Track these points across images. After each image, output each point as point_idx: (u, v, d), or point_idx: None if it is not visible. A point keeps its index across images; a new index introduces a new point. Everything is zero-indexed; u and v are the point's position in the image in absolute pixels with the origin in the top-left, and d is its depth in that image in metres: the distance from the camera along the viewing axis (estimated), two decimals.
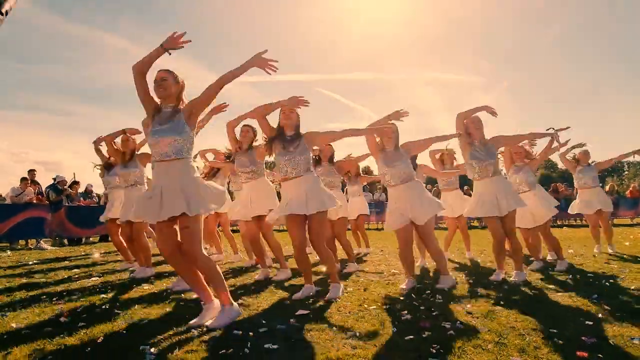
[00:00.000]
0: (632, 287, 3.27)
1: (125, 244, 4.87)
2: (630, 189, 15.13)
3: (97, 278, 4.19)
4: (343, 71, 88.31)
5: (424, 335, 2.14)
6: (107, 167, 4.89)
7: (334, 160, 4.53)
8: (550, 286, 3.39)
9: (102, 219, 5.01)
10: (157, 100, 2.58)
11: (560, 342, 2.02)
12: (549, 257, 4.91)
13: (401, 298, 3.05)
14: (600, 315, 2.46)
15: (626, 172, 60.41)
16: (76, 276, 4.35)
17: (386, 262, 5.17)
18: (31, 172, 9.27)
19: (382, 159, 3.53)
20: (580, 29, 79.76)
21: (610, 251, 5.49)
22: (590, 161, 5.78)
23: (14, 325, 2.44)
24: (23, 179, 8.86)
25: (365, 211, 6.23)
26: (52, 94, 75.66)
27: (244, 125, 3.99)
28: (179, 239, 2.46)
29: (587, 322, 2.34)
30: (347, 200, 5.56)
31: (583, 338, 2.06)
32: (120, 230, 4.85)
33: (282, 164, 3.12)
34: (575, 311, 2.58)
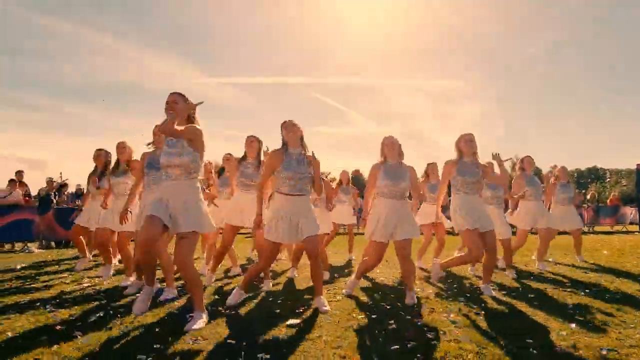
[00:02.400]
0: (607, 296, 3.45)
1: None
2: (611, 197, 15.57)
3: (88, 284, 4.21)
4: (334, 75, 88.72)
5: (408, 345, 2.27)
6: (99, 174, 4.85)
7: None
8: (530, 295, 3.56)
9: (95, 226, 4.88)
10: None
11: (534, 351, 2.17)
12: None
13: (388, 307, 3.17)
14: (573, 325, 2.62)
15: (608, 179, 61.94)
16: (67, 281, 4.37)
17: (375, 270, 5.29)
18: (19, 173, 9.16)
19: (384, 171, 3.46)
20: (565, 44, 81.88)
21: (579, 261, 5.74)
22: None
23: (9, 334, 2.49)
24: (11, 181, 8.76)
25: (352, 220, 6.55)
26: (34, 90, 74.14)
27: (249, 136, 4.09)
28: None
29: (561, 332, 2.50)
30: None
31: (556, 348, 2.21)
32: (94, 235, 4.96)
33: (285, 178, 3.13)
34: (551, 321, 2.74)
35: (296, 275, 4.64)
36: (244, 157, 4.10)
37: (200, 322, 2.61)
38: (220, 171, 5.24)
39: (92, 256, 6.52)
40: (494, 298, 3.46)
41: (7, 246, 8.82)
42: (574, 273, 4.78)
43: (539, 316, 2.88)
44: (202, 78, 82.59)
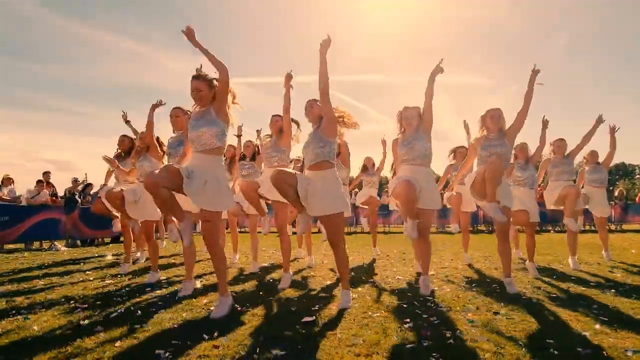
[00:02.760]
0: (633, 296, 3.32)
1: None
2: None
3: (111, 281, 4.34)
4: (351, 73, 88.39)
5: (424, 344, 2.24)
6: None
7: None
8: (553, 294, 3.45)
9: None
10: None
11: (555, 352, 2.10)
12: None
13: (404, 306, 3.14)
14: (597, 326, 2.53)
15: (638, 176, 59.42)
16: (91, 279, 4.51)
17: (392, 267, 5.25)
18: (46, 174, 9.52)
19: (400, 142, 3.62)
20: (589, 36, 78.66)
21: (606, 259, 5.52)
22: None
23: (35, 328, 2.59)
24: (39, 182, 9.12)
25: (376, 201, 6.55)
26: (62, 94, 77.02)
27: (274, 115, 4.29)
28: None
29: (584, 332, 2.41)
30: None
31: (579, 349, 2.14)
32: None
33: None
34: (573, 321, 2.65)
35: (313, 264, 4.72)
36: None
37: (225, 307, 2.83)
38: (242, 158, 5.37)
39: (117, 255, 6.71)
40: (514, 297, 3.38)
41: (36, 244, 9.18)
42: (599, 272, 4.62)
43: (561, 316, 2.79)
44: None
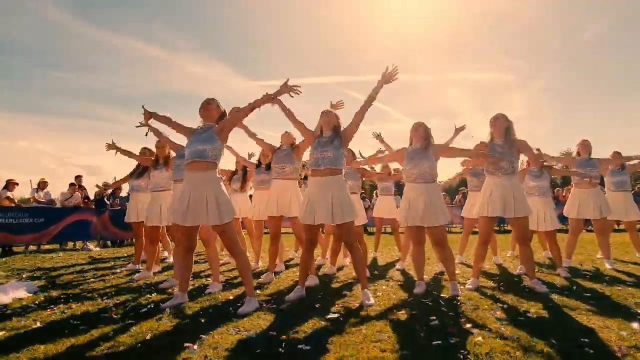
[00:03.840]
0: None
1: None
2: None
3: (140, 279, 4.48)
4: (370, 72, 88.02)
5: (451, 341, 2.20)
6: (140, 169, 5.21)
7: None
8: (586, 294, 3.33)
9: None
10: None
11: (591, 351, 2.02)
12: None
13: (429, 304, 3.09)
14: (635, 325, 2.42)
15: None
16: (121, 277, 4.67)
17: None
18: (78, 177, 9.92)
19: (407, 155, 3.55)
20: (622, 27, 75.12)
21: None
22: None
23: (72, 321, 2.71)
24: (71, 185, 9.51)
25: (395, 213, 6.20)
26: (92, 102, 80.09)
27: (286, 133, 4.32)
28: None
29: (621, 331, 2.31)
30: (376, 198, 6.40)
31: (615, 348, 2.05)
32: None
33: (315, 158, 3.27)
34: (609, 321, 2.54)
35: (335, 273, 4.66)
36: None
37: (251, 305, 2.91)
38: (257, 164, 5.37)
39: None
40: (544, 296, 3.27)
41: (70, 244, 9.57)
42: (636, 271, 4.41)
43: (596, 315, 2.68)
44: (244, 82, 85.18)
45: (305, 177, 5.64)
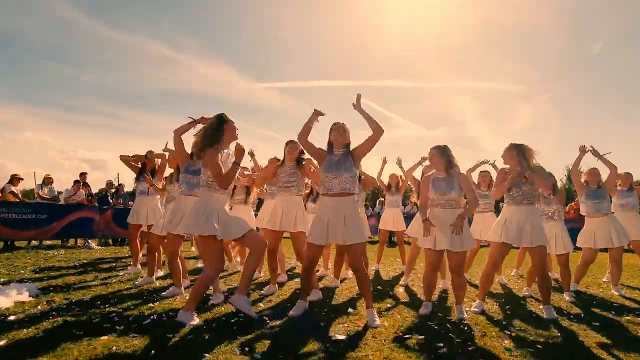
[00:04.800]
0: None
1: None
2: None
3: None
4: (377, 78, 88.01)
5: None
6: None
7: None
8: (595, 323, 3.27)
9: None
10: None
11: None
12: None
13: (436, 327, 3.05)
14: None
15: None
16: (124, 280, 4.64)
17: (420, 283, 5.14)
18: (83, 175, 9.92)
19: (434, 184, 3.45)
20: (631, 37, 74.88)
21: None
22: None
23: (74, 331, 2.67)
24: (76, 182, 9.51)
25: (402, 226, 6.06)
26: (97, 97, 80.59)
27: (292, 142, 4.12)
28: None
29: None
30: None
31: None
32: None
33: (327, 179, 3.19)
34: (620, 352, 2.49)
35: (338, 285, 4.61)
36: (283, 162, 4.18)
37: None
38: None
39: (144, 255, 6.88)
40: (553, 323, 3.22)
41: (71, 241, 9.56)
42: None
43: (607, 349, 2.63)
44: (248, 83, 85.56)
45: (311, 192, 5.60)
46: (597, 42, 72.51)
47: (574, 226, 14.02)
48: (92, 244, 8.95)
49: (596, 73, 75.41)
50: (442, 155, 3.44)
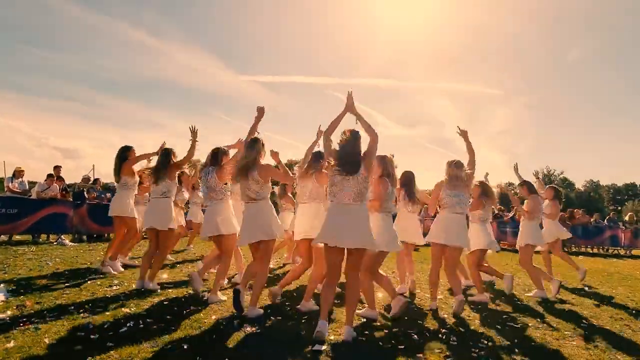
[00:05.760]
0: None
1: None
2: None
3: (117, 287, 4.32)
4: (361, 76, 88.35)
5: None
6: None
7: None
8: (567, 332, 3.38)
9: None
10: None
11: None
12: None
13: (415, 336, 3.08)
14: None
15: None
16: (98, 283, 4.50)
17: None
18: (57, 168, 9.56)
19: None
20: (605, 52, 78.01)
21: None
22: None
23: (47, 341, 2.57)
24: (49, 176, 9.16)
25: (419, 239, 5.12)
26: (72, 83, 77.62)
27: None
28: None
29: None
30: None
31: None
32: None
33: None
34: None
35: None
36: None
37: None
38: None
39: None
40: (528, 331, 3.31)
41: (43, 237, 9.23)
42: (618, 301, 4.52)
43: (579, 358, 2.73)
44: (231, 76, 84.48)
45: None
46: (573, 50, 75.01)
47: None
48: (66, 240, 8.66)
49: (571, 80, 78.11)
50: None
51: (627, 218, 14.24)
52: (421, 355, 2.66)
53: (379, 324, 3.39)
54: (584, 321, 3.79)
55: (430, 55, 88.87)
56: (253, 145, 3.54)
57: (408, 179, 4.68)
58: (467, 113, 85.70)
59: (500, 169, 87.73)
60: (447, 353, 2.73)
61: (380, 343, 2.89)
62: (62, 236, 8.84)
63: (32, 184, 10.15)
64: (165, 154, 4.52)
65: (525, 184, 5.30)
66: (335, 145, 3.05)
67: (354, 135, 3.00)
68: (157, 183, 4.49)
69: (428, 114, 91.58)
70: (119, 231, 5.43)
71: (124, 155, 5.11)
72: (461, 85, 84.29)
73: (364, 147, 3.02)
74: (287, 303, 3.93)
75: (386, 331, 3.19)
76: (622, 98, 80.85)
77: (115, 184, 5.41)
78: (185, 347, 2.60)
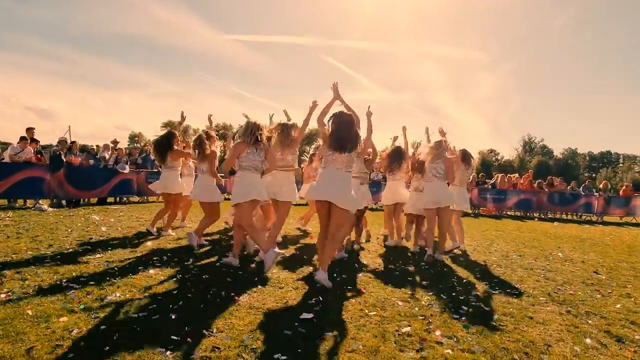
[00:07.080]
0: (618, 306, 3.43)
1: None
2: (624, 187, 15.33)
3: (101, 255, 4.26)
4: (348, 38, 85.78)
5: (423, 354, 2.28)
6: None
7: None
8: (542, 298, 3.55)
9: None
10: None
11: None
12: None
13: (400, 303, 3.18)
14: (588, 340, 2.61)
15: (620, 165, 60.81)
16: (81, 250, 4.43)
17: (385, 254, 5.32)
18: (30, 130, 9.12)
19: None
20: (590, 20, 77.45)
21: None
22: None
23: (29, 312, 2.53)
24: (22, 138, 8.75)
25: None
26: (45, 38, 72.99)
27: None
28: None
29: (575, 347, 2.49)
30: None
31: None
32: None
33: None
34: (565, 332, 2.73)
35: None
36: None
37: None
38: None
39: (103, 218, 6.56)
40: (507, 301, 3.46)
41: (20, 202, 8.96)
42: (584, 272, 4.74)
43: (553, 326, 2.87)
44: (215, 35, 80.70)
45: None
46: (559, 17, 74.11)
47: (527, 197, 14.78)
48: (44, 205, 8.43)
49: (557, 48, 77.77)
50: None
51: (601, 186, 14.78)
52: (406, 322, 2.75)
53: (364, 290, 3.48)
54: (558, 287, 3.97)
55: (417, 16, 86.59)
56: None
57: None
58: (452, 78, 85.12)
59: (485, 136, 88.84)
60: (430, 320, 2.82)
61: (366, 310, 2.96)
62: (39, 201, 8.60)
63: (4, 145, 9.71)
64: (199, 143, 5.01)
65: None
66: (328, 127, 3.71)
67: (348, 122, 3.67)
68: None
69: (414, 78, 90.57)
70: (175, 205, 6.09)
71: (169, 143, 5.59)
72: (448, 48, 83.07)
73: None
74: (274, 272, 3.97)
75: (372, 299, 3.27)
76: (607, 66, 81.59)
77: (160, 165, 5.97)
78: (173, 317, 2.61)
